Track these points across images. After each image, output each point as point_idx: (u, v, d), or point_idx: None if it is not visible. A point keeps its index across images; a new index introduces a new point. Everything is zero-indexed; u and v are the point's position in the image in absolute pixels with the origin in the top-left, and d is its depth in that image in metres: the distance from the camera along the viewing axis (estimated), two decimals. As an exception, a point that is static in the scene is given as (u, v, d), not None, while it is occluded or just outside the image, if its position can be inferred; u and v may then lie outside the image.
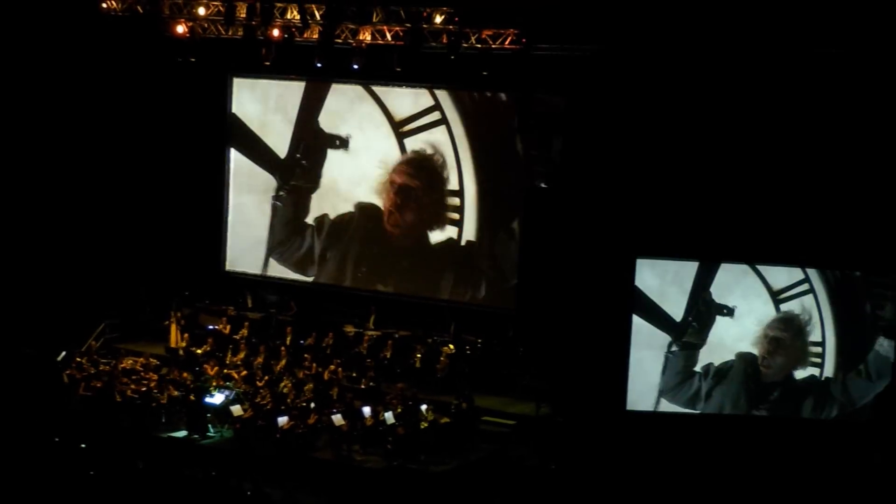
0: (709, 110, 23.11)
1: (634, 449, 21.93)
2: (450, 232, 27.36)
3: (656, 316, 23.40)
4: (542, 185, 25.60)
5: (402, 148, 27.63)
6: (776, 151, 23.10)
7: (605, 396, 23.42)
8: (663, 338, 23.41)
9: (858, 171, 22.74)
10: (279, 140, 28.93)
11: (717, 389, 23.32)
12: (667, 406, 23.31)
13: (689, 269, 23.39)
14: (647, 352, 23.44)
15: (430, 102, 27.24)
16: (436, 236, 27.56)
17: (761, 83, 22.86)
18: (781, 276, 23.31)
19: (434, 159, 27.50)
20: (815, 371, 23.25)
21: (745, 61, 22.72)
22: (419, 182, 27.71)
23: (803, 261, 23.12)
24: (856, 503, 20.52)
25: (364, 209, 28.21)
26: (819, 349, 23.24)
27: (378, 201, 28.05)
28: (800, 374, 23.33)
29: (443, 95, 27.06)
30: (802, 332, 23.24)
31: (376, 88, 27.72)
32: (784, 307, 23.22)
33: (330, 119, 28.37)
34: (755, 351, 23.27)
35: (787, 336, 23.26)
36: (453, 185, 27.20)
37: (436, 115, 27.21)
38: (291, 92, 28.69)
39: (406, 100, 27.52)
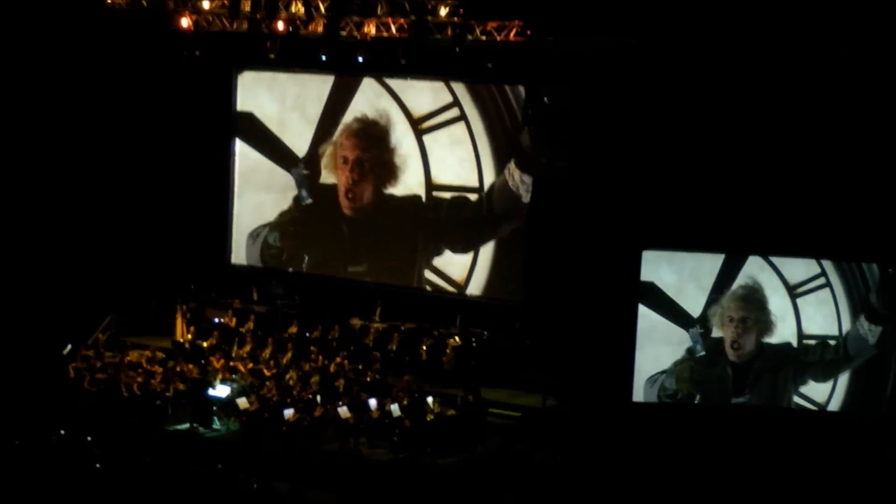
0: (719, 100, 23.06)
1: (641, 441, 21.90)
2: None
3: (674, 312, 23.41)
4: (550, 177, 25.57)
5: (421, 144, 27.55)
6: (789, 142, 23.04)
7: (611, 389, 23.43)
8: (681, 334, 23.45)
9: (874, 161, 22.71)
10: (297, 139, 28.86)
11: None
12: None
13: (706, 264, 23.38)
14: (666, 348, 23.49)
15: (448, 99, 27.11)
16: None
17: (775, 73, 22.78)
18: (798, 270, 23.30)
19: (379, 124, 27.80)
20: (790, 339, 23.40)
21: (757, 51, 22.64)
22: (371, 153, 28.00)
23: (818, 253, 23.13)
24: (865, 499, 20.45)
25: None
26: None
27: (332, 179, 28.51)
28: (771, 341, 23.47)
29: (461, 92, 26.92)
30: (764, 304, 23.34)
31: (394, 86, 27.61)
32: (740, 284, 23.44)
33: (350, 118, 28.33)
34: (720, 333, 23.39)
35: (751, 314, 23.32)
36: (473, 182, 27.10)
37: (454, 112, 27.10)
38: (309, 90, 28.61)
39: (424, 96, 27.41)
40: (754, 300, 23.33)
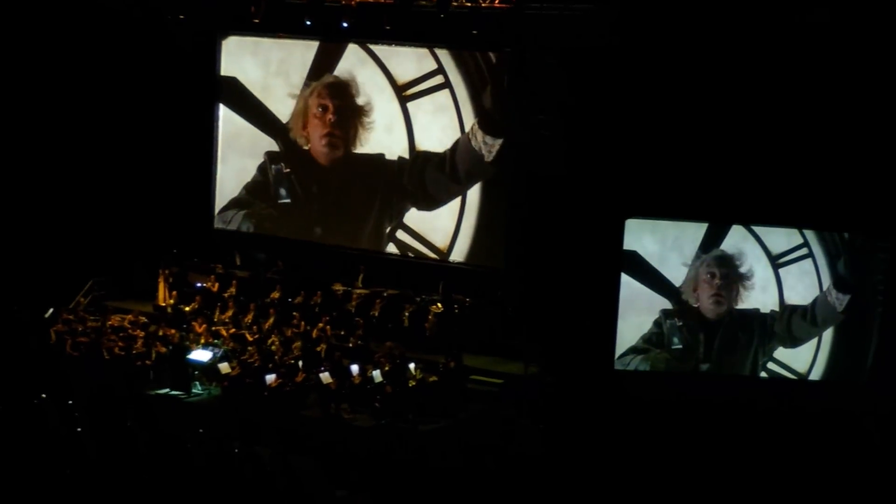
0: (705, 69, 23.03)
1: (622, 408, 21.96)
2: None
3: (656, 281, 23.45)
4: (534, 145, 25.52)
5: (406, 112, 27.40)
6: (773, 111, 23.04)
7: (593, 356, 23.48)
8: (663, 303, 23.49)
9: (856, 131, 22.74)
10: (281, 104, 28.71)
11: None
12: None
13: (689, 234, 23.41)
14: (648, 317, 23.55)
15: (433, 66, 26.95)
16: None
17: (761, 43, 22.76)
18: (780, 240, 23.37)
19: (350, 86, 27.77)
20: (765, 307, 23.54)
21: (741, 20, 22.61)
22: (350, 105, 27.91)
23: (801, 222, 23.19)
24: (844, 468, 20.55)
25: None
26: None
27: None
28: (745, 307, 23.63)
29: (446, 59, 26.74)
30: (736, 267, 23.46)
31: (378, 52, 27.45)
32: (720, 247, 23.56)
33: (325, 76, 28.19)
34: (697, 294, 23.52)
35: (730, 271, 23.42)
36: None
37: (439, 79, 26.95)
38: (294, 55, 28.44)
39: (409, 63, 27.24)
40: (732, 259, 23.40)
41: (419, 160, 27.16)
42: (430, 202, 27.18)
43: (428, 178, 27.10)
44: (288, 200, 28.74)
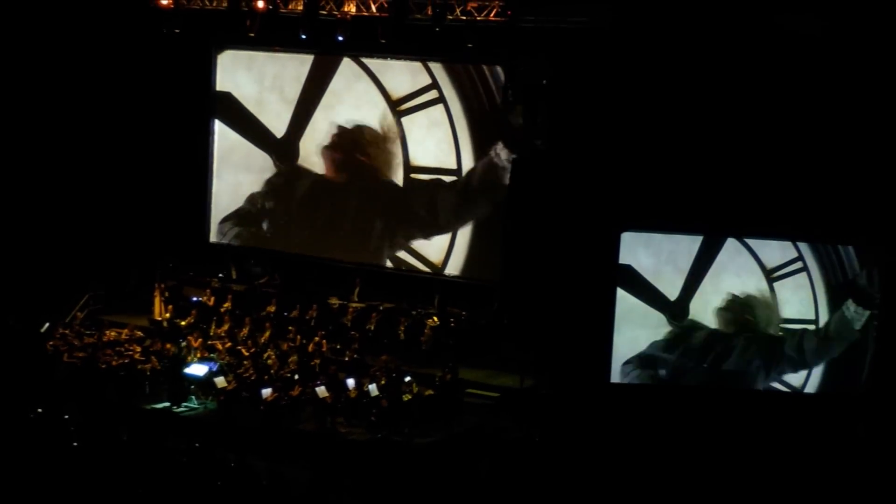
0: (699, 84, 23.07)
1: (618, 421, 21.95)
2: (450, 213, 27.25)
3: (651, 295, 23.42)
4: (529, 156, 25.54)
5: (400, 126, 27.42)
6: (767, 125, 23.08)
7: (589, 369, 23.46)
8: (658, 317, 23.46)
9: (851, 144, 22.78)
10: (276, 120, 28.76)
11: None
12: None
13: (683, 247, 23.39)
14: (643, 331, 23.50)
15: (427, 81, 27.00)
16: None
17: (753, 56, 22.82)
18: (775, 254, 23.35)
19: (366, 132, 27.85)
20: (769, 324, 23.51)
21: (732, 32, 22.66)
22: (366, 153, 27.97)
23: (794, 235, 23.17)
24: (838, 475, 20.55)
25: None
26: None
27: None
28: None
29: (440, 73, 26.81)
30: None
31: (372, 66, 27.51)
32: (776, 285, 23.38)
33: (328, 99, 28.21)
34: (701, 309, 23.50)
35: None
36: (451, 164, 27.04)
37: (433, 94, 26.98)
38: (288, 70, 28.49)
39: (403, 78, 27.29)
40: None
41: (431, 185, 27.18)
42: (442, 227, 27.21)
43: (440, 203, 27.15)
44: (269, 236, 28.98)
